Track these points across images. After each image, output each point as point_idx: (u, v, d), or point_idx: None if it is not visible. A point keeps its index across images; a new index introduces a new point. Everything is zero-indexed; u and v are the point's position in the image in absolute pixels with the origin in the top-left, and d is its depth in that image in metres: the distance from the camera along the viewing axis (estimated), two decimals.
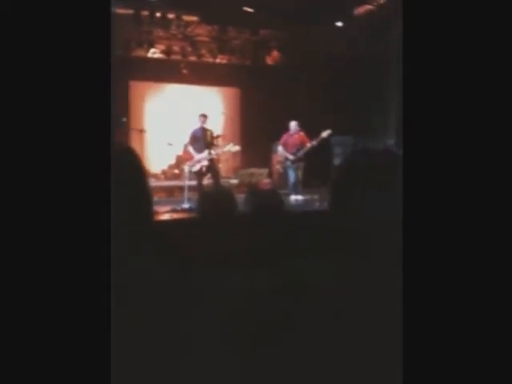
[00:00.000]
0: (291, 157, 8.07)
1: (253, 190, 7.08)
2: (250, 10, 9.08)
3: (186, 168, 7.85)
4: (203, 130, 7.71)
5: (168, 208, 6.78)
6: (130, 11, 9.14)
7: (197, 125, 7.77)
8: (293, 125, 8.13)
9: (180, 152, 9.71)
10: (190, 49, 10.57)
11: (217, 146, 8.11)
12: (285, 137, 8.24)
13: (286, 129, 8.24)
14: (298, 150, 8.06)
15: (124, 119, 8.35)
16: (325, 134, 7.87)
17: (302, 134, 8.12)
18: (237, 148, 8.32)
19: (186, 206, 7.02)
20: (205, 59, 10.86)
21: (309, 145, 7.96)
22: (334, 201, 1.03)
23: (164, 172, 10.51)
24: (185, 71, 10.72)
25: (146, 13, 9.24)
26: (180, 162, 9.83)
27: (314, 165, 8.42)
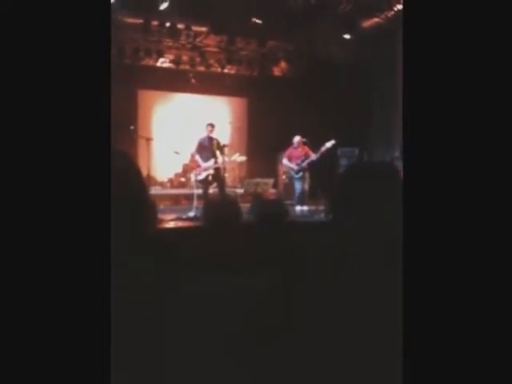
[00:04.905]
0: (295, 166, 8.10)
1: (258, 199, 7.09)
2: (258, 21, 9.14)
3: (192, 176, 7.87)
4: (210, 139, 7.73)
5: (173, 216, 6.78)
6: (140, 20, 9.23)
7: (204, 134, 7.81)
8: (296, 139, 8.17)
9: (187, 161, 9.75)
10: (198, 59, 10.64)
11: (223, 155, 8.14)
12: (289, 150, 8.29)
13: (291, 142, 8.27)
14: (303, 162, 8.09)
15: (132, 127, 8.39)
16: (329, 144, 7.89)
17: (305, 147, 8.17)
18: (243, 158, 8.34)
19: (191, 214, 7.03)
20: (213, 69, 10.93)
21: (313, 156, 7.98)
22: (331, 210, 1.05)
23: (170, 180, 10.55)
24: (193, 81, 10.80)
25: (155, 22, 9.33)
26: (186, 170, 9.86)
27: (320, 176, 8.43)
